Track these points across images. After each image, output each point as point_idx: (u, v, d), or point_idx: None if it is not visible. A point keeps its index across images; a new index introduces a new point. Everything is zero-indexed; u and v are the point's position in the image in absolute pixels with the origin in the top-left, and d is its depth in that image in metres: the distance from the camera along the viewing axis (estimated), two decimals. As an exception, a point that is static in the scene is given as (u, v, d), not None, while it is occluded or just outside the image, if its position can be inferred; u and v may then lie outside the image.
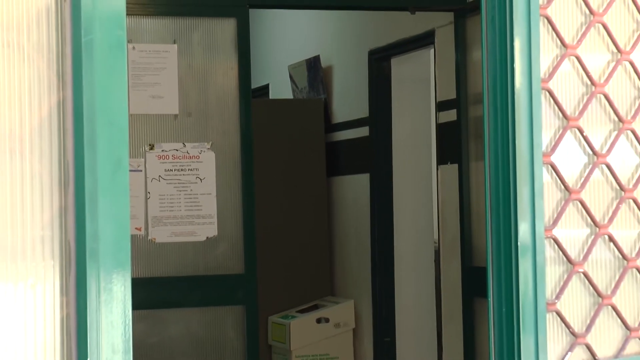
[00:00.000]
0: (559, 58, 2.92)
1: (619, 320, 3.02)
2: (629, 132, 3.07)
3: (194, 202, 5.34)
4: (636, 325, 3.06)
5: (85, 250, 2.08)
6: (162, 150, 5.32)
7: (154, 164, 5.32)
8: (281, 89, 8.47)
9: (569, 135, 2.92)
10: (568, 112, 2.92)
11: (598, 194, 3.00)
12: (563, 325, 2.89)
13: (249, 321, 5.39)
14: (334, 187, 7.55)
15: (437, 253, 6.57)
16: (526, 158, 2.79)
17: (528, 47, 2.81)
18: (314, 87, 7.82)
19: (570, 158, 2.94)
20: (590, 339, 2.94)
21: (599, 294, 2.97)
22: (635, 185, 3.08)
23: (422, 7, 5.81)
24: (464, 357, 5.74)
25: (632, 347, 3.05)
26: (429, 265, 6.91)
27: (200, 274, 5.36)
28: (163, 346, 5.32)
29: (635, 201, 3.07)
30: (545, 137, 2.86)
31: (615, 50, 3.05)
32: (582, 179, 2.96)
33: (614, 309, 3.01)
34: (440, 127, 6.17)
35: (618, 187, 3.04)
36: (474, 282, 5.68)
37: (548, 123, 2.88)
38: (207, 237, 5.35)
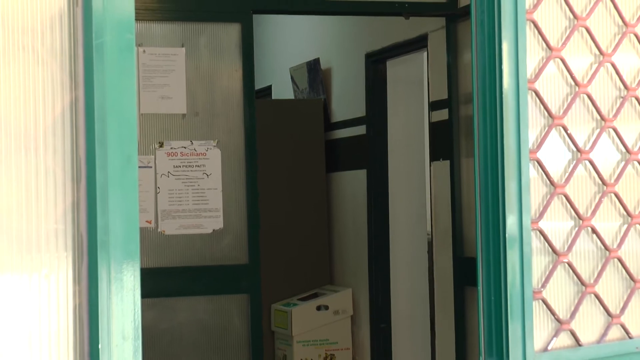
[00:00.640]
0: (544, 60, 2.91)
1: (601, 308, 3.02)
2: (611, 130, 3.07)
3: (201, 196, 5.33)
4: (617, 312, 3.05)
5: (97, 242, 2.08)
6: (171, 148, 5.32)
7: (164, 160, 5.31)
8: (283, 90, 8.47)
9: (554, 133, 2.92)
10: (553, 111, 2.92)
11: (581, 189, 3.00)
12: (549, 312, 2.88)
13: (253, 309, 5.38)
14: (333, 183, 7.55)
15: (429, 244, 6.57)
16: (514, 154, 2.78)
17: (515, 50, 2.80)
18: (314, 88, 7.81)
19: (555, 154, 2.93)
20: (574, 325, 2.93)
21: (582, 283, 2.97)
22: (616, 180, 3.07)
23: (416, 13, 5.80)
24: (455, 342, 5.74)
25: (613, 333, 3.04)
26: (422, 255, 6.91)
27: (207, 264, 5.36)
28: (172, 332, 5.32)
29: (616, 195, 3.07)
30: (532, 134, 2.86)
31: (597, 52, 3.05)
32: (567, 174, 2.95)
33: (597, 297, 3.00)
34: (433, 126, 6.17)
35: (600, 182, 3.04)
36: (464, 272, 5.68)
37: (534, 121, 2.87)
38: (214, 230, 5.35)
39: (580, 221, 2.97)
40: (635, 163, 3.12)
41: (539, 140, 2.88)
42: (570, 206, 2.95)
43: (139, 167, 5.23)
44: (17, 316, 2.04)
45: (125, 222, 2.11)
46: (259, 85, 7.04)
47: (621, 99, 3.10)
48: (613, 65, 3.08)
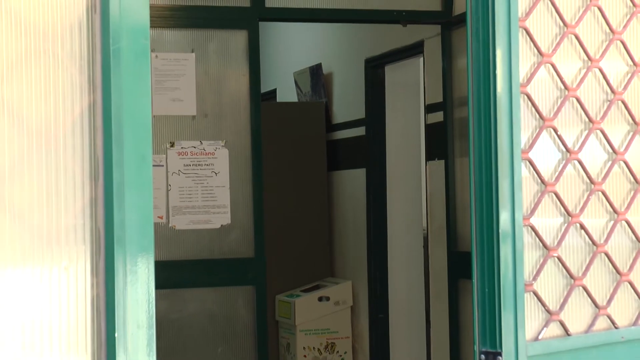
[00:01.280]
0: (535, 65, 2.90)
1: (589, 300, 3.01)
2: (598, 132, 3.06)
3: (210, 193, 5.33)
4: (604, 304, 3.05)
5: (113, 237, 2.07)
6: (182, 148, 5.32)
7: (174, 159, 5.31)
8: (287, 93, 8.47)
9: (544, 134, 2.91)
10: (544, 113, 2.91)
11: (570, 187, 2.99)
12: (539, 303, 2.88)
13: (258, 299, 5.39)
14: (334, 181, 7.55)
15: (425, 239, 6.57)
16: (506, 154, 2.78)
17: (508, 56, 2.79)
18: (316, 91, 7.81)
19: (546, 154, 2.93)
20: (563, 316, 2.93)
21: (571, 276, 2.96)
22: (603, 179, 3.07)
23: (413, 21, 5.80)
24: (449, 332, 5.74)
25: (600, 324, 3.04)
26: (418, 250, 6.91)
27: (215, 257, 5.36)
28: (182, 321, 5.32)
29: (603, 193, 3.06)
30: (524, 135, 2.85)
31: (586, 58, 3.04)
32: (557, 173, 2.95)
33: (585, 289, 3.00)
34: (429, 127, 6.16)
35: (588, 181, 3.03)
36: (458, 265, 5.68)
37: (526, 123, 2.87)
38: (221, 225, 5.35)
39: (570, 218, 2.96)
40: (622, 163, 3.12)
41: (530, 141, 2.87)
42: (560, 203, 2.94)
43: (152, 166, 5.24)
44: (39, 305, 2.04)
45: (140, 218, 2.11)
46: (264, 88, 7.04)
47: (608, 102, 3.10)
48: (600, 71, 3.07)
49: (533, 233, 2.87)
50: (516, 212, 2.79)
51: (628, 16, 3.16)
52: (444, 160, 5.76)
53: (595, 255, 3.03)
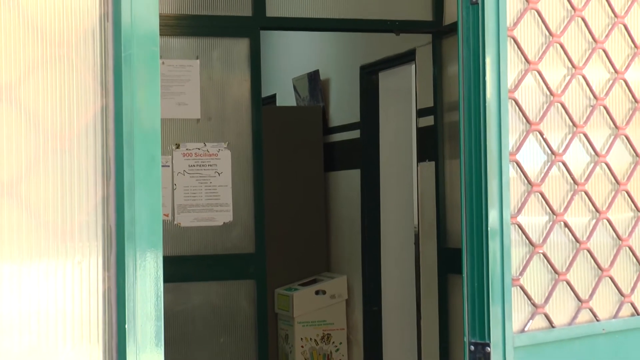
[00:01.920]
0: (523, 72, 2.90)
1: (572, 294, 3.01)
2: (582, 135, 3.06)
3: (213, 192, 5.32)
4: (587, 298, 3.05)
5: (124, 233, 2.07)
6: (187, 149, 5.31)
7: (180, 160, 5.30)
8: (286, 98, 8.46)
9: (531, 137, 2.91)
10: (531, 118, 2.91)
11: (555, 187, 2.99)
12: (525, 297, 2.87)
13: (258, 293, 5.38)
14: (330, 181, 7.54)
15: (416, 236, 6.56)
16: (495, 156, 2.78)
17: (497, 63, 2.79)
18: (314, 96, 7.80)
19: (532, 156, 2.92)
20: (548, 309, 2.93)
21: (555, 271, 2.96)
22: (586, 180, 3.06)
23: (405, 30, 5.80)
24: (439, 324, 5.73)
25: (583, 316, 3.04)
26: (409, 246, 6.91)
27: (218, 253, 5.35)
28: (186, 313, 5.31)
29: (586, 193, 3.06)
30: (511, 138, 2.85)
31: (570, 66, 3.04)
32: (542, 174, 2.94)
33: (568, 284, 3.00)
34: (420, 131, 6.16)
35: (572, 182, 3.03)
36: (447, 261, 5.68)
37: (514, 127, 2.87)
38: (224, 222, 5.34)
39: (554, 216, 2.96)
40: (603, 165, 3.12)
41: (517, 144, 2.87)
42: (545, 203, 2.94)
43: (158, 166, 5.24)
44: (53, 298, 2.03)
45: (149, 216, 2.11)
46: (265, 93, 7.03)
47: (591, 108, 3.10)
48: (584, 78, 3.07)
49: (520, 231, 2.87)
50: (504, 211, 2.79)
51: (609, 26, 3.16)
52: (434, 162, 5.75)
53: (578, 252, 3.03)
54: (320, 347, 7.09)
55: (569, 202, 3.01)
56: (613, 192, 3.15)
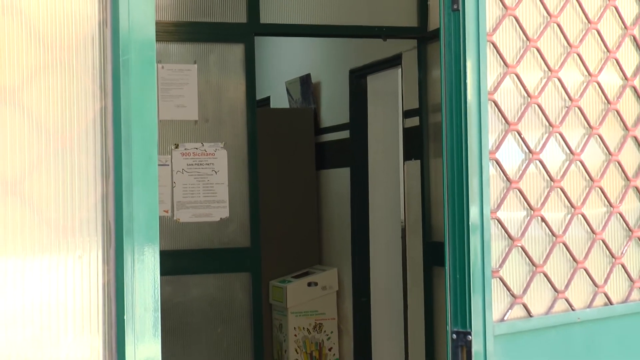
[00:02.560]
0: (502, 75, 2.90)
1: (549, 285, 3.01)
2: (557, 135, 3.06)
3: (210, 190, 5.31)
4: (562, 288, 3.04)
5: (123, 229, 2.06)
6: (185, 149, 5.30)
7: (179, 159, 5.29)
8: (279, 100, 8.45)
9: (509, 137, 2.91)
10: (509, 118, 2.90)
11: (533, 184, 2.99)
12: (505, 288, 2.87)
13: (254, 285, 5.37)
14: (322, 179, 7.54)
15: (403, 231, 6.56)
16: (476, 155, 2.77)
17: (477, 67, 2.79)
18: (306, 98, 7.79)
19: (511, 155, 2.92)
20: (526, 299, 2.92)
21: (533, 264, 2.96)
22: (562, 177, 3.06)
23: (392, 35, 5.80)
24: (424, 314, 5.73)
25: (559, 306, 3.04)
26: (396, 240, 6.90)
27: (215, 247, 5.34)
28: (185, 305, 5.30)
29: (562, 189, 3.06)
30: (491, 138, 2.85)
31: (546, 69, 3.04)
32: (520, 172, 2.94)
33: (545, 275, 2.99)
34: (406, 131, 6.15)
35: (549, 179, 3.03)
36: (432, 254, 5.67)
37: (493, 127, 2.86)
38: (221, 218, 5.33)
39: (532, 211, 2.96)
40: (578, 163, 3.12)
41: (497, 143, 2.86)
42: (523, 199, 2.94)
43: (158, 165, 5.22)
44: (55, 291, 2.02)
45: (146, 212, 2.10)
46: (259, 96, 7.02)
47: (566, 109, 3.10)
48: (559, 80, 3.07)
49: (499, 225, 2.87)
50: (484, 207, 2.78)
51: (583, 32, 3.15)
52: (419, 161, 5.75)
53: (555, 245, 3.03)
54: (312, 336, 7.09)
55: (546, 198, 3.01)
56: (587, 189, 3.14)
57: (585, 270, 3.12)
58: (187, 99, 5.29)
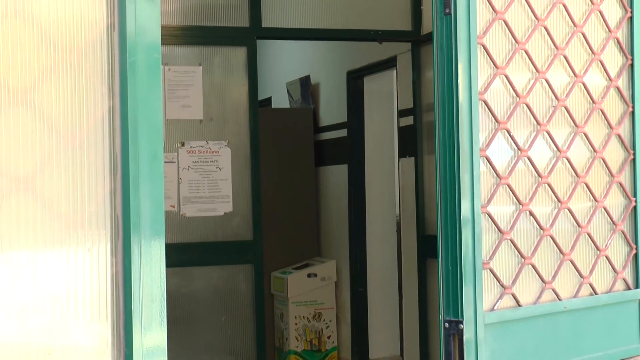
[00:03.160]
0: (492, 76, 2.89)
1: (537, 276, 3.00)
2: (545, 133, 3.05)
3: (215, 185, 5.30)
4: (550, 279, 3.04)
5: (130, 223, 2.06)
6: (191, 147, 5.29)
7: (185, 157, 5.28)
8: (280, 101, 8.44)
9: (499, 135, 2.90)
10: (499, 117, 2.90)
11: (521, 180, 2.98)
12: (495, 279, 2.87)
13: (256, 276, 5.36)
14: (320, 175, 7.53)
15: (398, 224, 6.55)
16: (467, 152, 2.76)
17: (468, 68, 2.78)
18: (306, 99, 7.78)
19: (500, 152, 2.92)
20: (515, 289, 2.92)
21: (522, 256, 2.95)
22: (549, 173, 3.06)
23: (387, 39, 5.78)
24: (419, 303, 5.72)
25: (546, 296, 3.03)
26: (392, 233, 6.89)
27: (219, 240, 5.33)
28: (191, 295, 5.29)
29: (549, 185, 3.05)
30: (482, 136, 2.84)
31: (534, 70, 3.03)
32: (510, 168, 2.93)
33: (533, 267, 2.99)
34: (401, 130, 6.14)
35: (537, 175, 3.02)
36: (426, 247, 5.66)
37: (483, 126, 2.86)
38: (225, 212, 5.32)
39: (521, 206, 2.95)
40: (564, 159, 3.11)
41: (487, 141, 2.86)
42: (513, 194, 2.93)
43: (165, 162, 5.22)
44: (66, 281, 2.02)
45: (152, 206, 2.09)
46: (261, 96, 7.01)
47: (553, 108, 3.09)
48: (547, 81, 3.06)
49: (490, 219, 2.86)
50: (475, 202, 2.78)
51: (569, 35, 3.14)
52: (414, 158, 5.74)
53: (542, 238, 3.02)
54: (312, 324, 7.08)
55: (534, 193, 3.00)
56: (573, 184, 3.14)
57: (572, 261, 3.11)
58: (193, 99, 5.28)
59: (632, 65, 3.30)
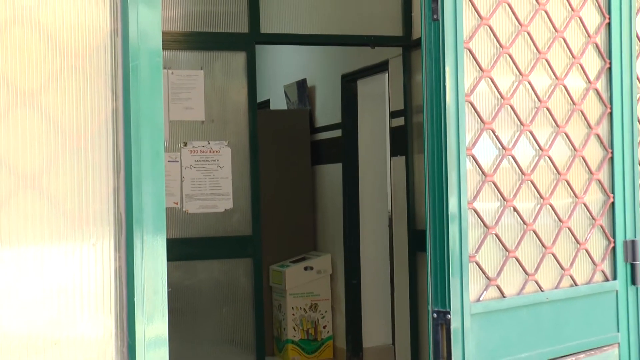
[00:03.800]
0: (477, 79, 2.88)
1: (520, 268, 2.99)
2: (528, 133, 3.05)
3: (216, 183, 5.30)
4: (532, 271, 3.03)
5: (133, 219, 2.05)
6: (193, 147, 5.28)
7: (187, 156, 5.27)
8: (278, 103, 8.44)
9: (485, 135, 2.89)
10: (484, 118, 2.89)
11: (506, 177, 2.97)
12: (480, 271, 2.86)
13: (255, 269, 5.36)
14: (316, 173, 7.52)
15: (390, 220, 6.55)
16: (454, 151, 2.76)
17: (455, 72, 2.77)
18: (302, 101, 7.77)
19: (486, 151, 2.90)
20: (500, 281, 2.91)
21: (506, 249, 2.94)
22: (532, 171, 3.05)
23: (379, 44, 5.78)
24: (409, 295, 5.72)
25: (529, 287, 3.02)
26: (384, 228, 6.90)
27: (220, 235, 5.33)
28: (193, 288, 5.29)
29: (532, 182, 3.05)
30: (468, 136, 2.83)
31: (518, 73, 3.02)
32: (494, 166, 2.92)
33: (517, 259, 2.98)
34: (392, 130, 6.14)
35: (520, 172, 3.01)
36: (416, 241, 5.66)
37: (470, 126, 2.85)
38: (225, 209, 5.31)
39: (505, 202, 2.95)
40: (547, 158, 3.10)
41: (473, 140, 2.85)
42: (497, 191, 2.92)
43: (169, 161, 5.21)
44: (71, 276, 2.01)
45: (154, 203, 2.08)
46: (260, 98, 7.01)
47: (535, 109, 3.08)
48: (529, 83, 3.05)
49: (476, 215, 2.85)
50: (462, 198, 2.77)
51: (551, 40, 3.14)
52: (404, 157, 5.74)
53: (526, 233, 3.01)
54: (308, 315, 7.08)
55: (518, 190, 2.99)
56: (555, 181, 3.13)
57: (553, 255, 3.10)
58: (195, 101, 5.27)
59: (610, 69, 3.30)
